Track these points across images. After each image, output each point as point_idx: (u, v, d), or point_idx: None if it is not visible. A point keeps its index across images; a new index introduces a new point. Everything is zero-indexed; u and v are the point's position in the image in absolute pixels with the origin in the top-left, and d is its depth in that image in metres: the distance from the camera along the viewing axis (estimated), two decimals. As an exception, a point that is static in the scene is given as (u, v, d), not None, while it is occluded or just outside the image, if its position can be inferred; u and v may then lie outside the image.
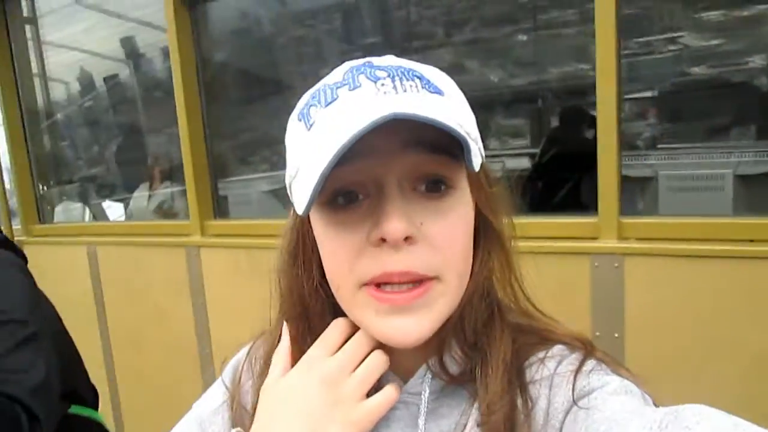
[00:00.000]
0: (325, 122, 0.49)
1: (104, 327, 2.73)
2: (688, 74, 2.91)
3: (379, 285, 0.50)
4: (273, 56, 2.87)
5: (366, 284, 0.51)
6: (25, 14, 3.17)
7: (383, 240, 0.48)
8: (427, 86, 0.50)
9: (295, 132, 0.53)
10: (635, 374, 0.55)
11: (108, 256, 2.67)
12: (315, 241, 0.56)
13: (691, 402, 0.44)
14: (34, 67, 3.25)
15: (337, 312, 0.57)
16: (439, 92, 0.51)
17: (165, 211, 3.13)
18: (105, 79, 3.26)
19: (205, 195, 2.29)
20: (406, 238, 0.48)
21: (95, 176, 3.63)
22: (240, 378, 0.66)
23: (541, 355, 0.58)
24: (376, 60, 0.53)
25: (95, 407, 1.28)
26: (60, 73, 3.39)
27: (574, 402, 0.51)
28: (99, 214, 3.46)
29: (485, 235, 0.57)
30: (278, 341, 0.61)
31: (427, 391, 0.57)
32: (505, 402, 0.53)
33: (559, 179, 2.66)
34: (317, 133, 0.49)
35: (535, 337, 0.60)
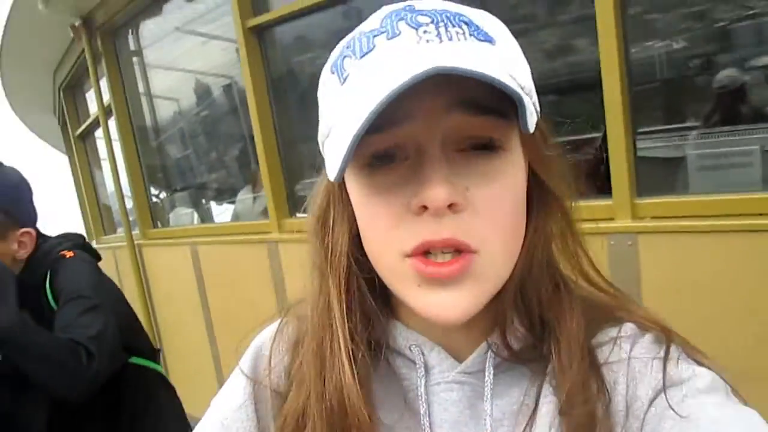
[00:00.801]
0: (360, 76, 0.44)
1: (207, 313, 3.11)
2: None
3: (422, 254, 0.45)
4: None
5: (409, 255, 0.45)
6: (132, 48, 3.61)
7: (425, 207, 0.43)
8: (475, 33, 0.45)
9: (328, 86, 0.48)
10: (713, 360, 0.51)
11: (207, 253, 3.03)
12: (346, 203, 0.51)
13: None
14: (142, 89, 3.66)
15: (365, 282, 0.53)
16: (489, 40, 0.45)
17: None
18: (223, 88, 3.40)
19: (281, 196, 2.52)
20: (450, 205, 0.43)
21: (202, 184, 3.88)
22: (270, 361, 0.60)
23: (612, 333, 0.53)
24: (418, 3, 0.46)
25: (154, 360, 1.66)
26: (167, 92, 3.73)
27: (664, 391, 0.47)
28: (206, 217, 3.76)
29: (540, 199, 0.51)
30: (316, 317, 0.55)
31: (491, 371, 0.51)
32: (589, 393, 0.48)
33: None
34: (351, 89, 0.45)
35: (604, 312, 0.55)
